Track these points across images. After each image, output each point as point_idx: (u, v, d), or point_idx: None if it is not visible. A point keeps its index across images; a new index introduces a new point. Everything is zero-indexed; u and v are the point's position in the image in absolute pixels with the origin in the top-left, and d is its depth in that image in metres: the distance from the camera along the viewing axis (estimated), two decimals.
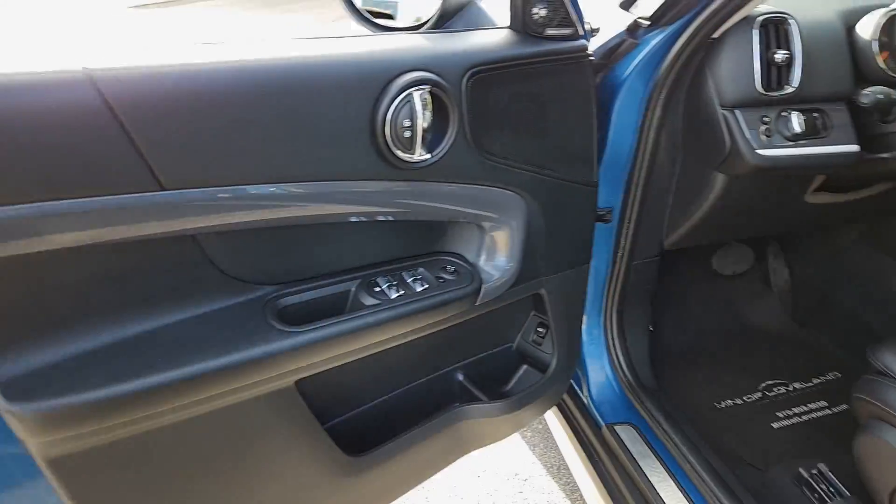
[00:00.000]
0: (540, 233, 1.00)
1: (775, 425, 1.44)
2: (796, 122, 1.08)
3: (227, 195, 0.70)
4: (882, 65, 1.09)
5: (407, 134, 0.78)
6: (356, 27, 1.01)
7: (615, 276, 1.33)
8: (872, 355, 1.07)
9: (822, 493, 1.17)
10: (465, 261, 0.98)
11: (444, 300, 0.91)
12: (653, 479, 1.20)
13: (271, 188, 0.73)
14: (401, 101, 0.77)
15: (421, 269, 0.94)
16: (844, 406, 1.47)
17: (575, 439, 1.42)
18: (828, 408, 1.48)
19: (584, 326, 1.36)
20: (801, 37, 1.07)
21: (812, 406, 1.49)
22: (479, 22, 1.00)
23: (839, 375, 1.58)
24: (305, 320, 0.80)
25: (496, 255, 0.98)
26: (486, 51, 0.86)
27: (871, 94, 1.03)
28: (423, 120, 0.79)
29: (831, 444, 1.35)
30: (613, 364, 1.39)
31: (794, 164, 1.09)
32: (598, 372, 1.41)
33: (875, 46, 1.08)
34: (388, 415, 1.02)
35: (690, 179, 1.26)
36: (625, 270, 1.32)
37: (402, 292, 0.88)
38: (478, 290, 0.95)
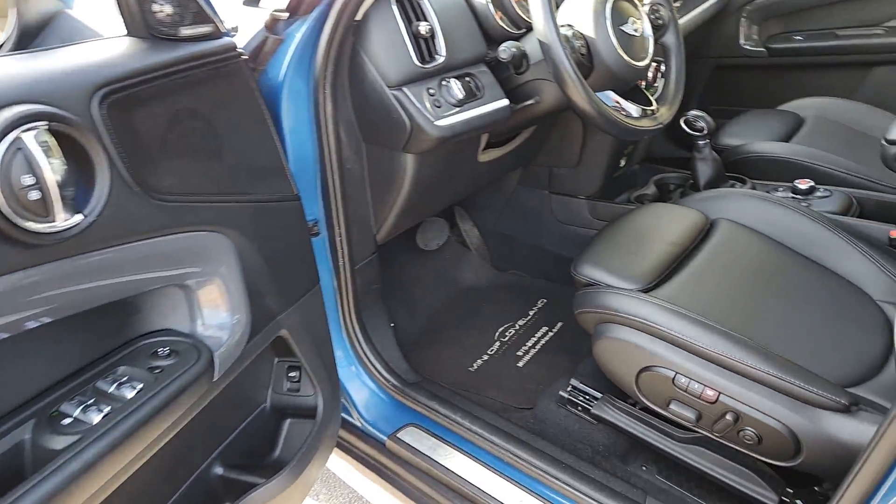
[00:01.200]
0: (260, 268, 0.84)
1: (520, 364, 1.56)
2: (456, 87, 1.13)
3: None
4: (500, 23, 1.21)
5: (33, 195, 0.54)
6: None
7: (344, 287, 1.24)
8: (575, 272, 1.21)
9: (582, 404, 1.30)
10: (180, 334, 0.76)
11: (172, 393, 0.68)
12: (450, 465, 1.18)
13: None
14: (7, 152, 0.52)
15: (122, 368, 0.70)
16: (560, 324, 1.68)
17: (362, 466, 1.31)
18: (549, 331, 1.67)
19: None
20: (433, 8, 1.12)
21: (538, 335, 1.66)
22: (79, 35, 0.77)
23: (545, 300, 1.79)
24: None
25: (216, 312, 0.79)
26: (110, 65, 0.66)
27: (506, 48, 1.13)
28: (51, 171, 0.55)
29: (568, 359, 1.52)
30: (373, 375, 1.31)
31: (467, 128, 1.14)
32: (362, 389, 1.31)
33: (490, 8, 1.20)
34: None
35: (382, 169, 1.24)
36: (351, 278, 1.25)
37: (107, 409, 0.64)
38: (210, 363, 0.75)
